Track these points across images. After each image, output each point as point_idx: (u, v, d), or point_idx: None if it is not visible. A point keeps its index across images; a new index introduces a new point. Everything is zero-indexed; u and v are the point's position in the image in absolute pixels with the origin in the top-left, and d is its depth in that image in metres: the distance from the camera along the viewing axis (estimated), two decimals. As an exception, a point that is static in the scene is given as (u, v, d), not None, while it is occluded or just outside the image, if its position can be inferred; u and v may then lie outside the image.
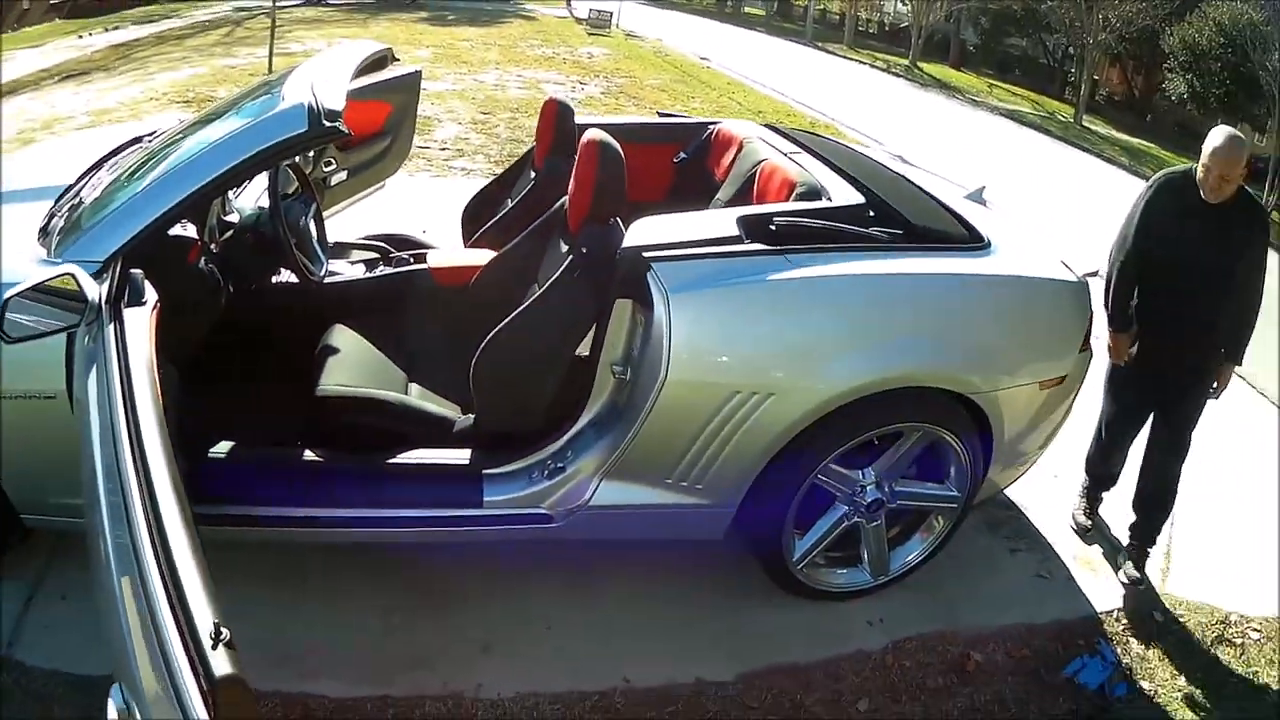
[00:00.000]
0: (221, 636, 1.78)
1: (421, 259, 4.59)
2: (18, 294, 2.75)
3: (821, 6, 50.89)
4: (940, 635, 3.84)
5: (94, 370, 2.69)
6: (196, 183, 3.20)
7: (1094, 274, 4.19)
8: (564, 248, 3.70)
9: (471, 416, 3.64)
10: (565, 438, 3.51)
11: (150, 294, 2.96)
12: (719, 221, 3.55)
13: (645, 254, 3.32)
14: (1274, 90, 26.78)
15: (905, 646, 3.78)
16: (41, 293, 2.78)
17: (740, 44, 34.20)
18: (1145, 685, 3.82)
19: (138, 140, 4.34)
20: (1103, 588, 4.34)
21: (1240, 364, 4.36)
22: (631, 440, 3.38)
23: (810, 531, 3.80)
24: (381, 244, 4.88)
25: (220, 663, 1.73)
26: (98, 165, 4.07)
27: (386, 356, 3.97)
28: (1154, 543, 4.60)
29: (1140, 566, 4.49)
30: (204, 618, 1.83)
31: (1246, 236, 4.18)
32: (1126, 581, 4.40)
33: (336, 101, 3.31)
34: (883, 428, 3.60)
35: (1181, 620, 4.22)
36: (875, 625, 3.88)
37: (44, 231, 3.44)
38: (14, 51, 21.57)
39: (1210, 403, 4.43)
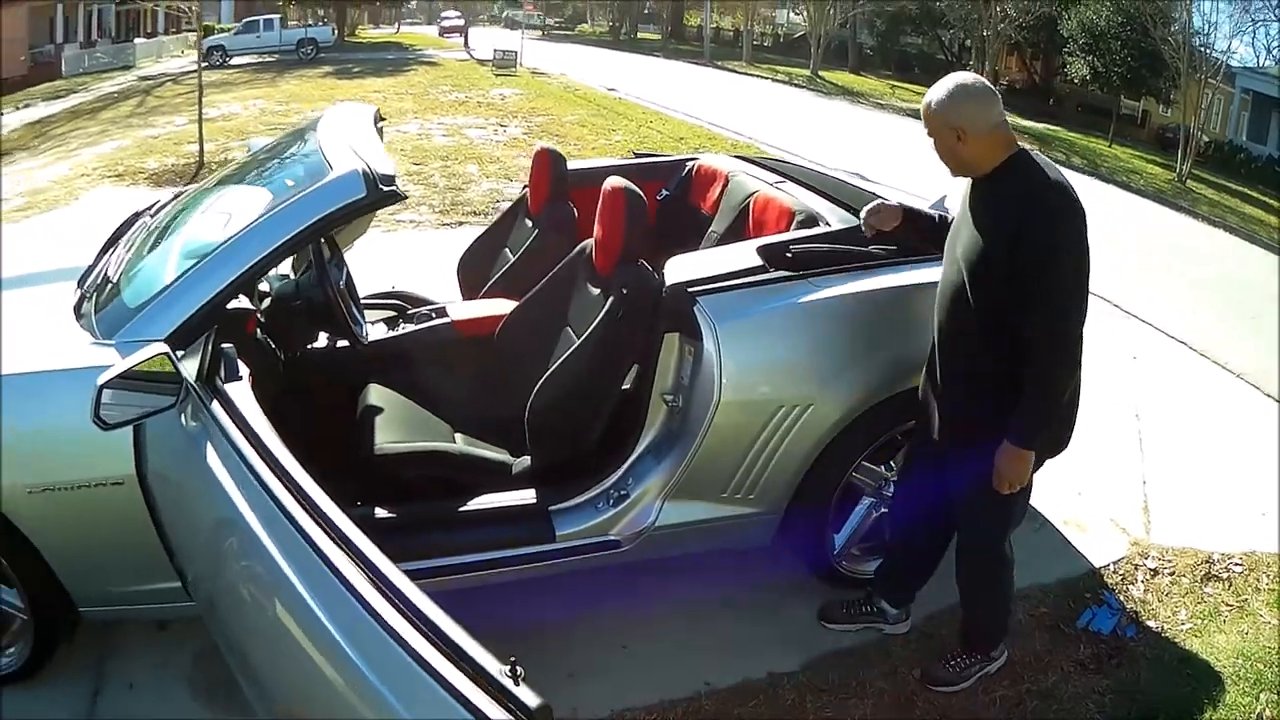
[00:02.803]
0: (519, 672, 1.87)
1: (441, 313, 4.70)
2: (111, 379, 2.72)
3: (715, 25, 51.42)
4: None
5: (209, 447, 2.73)
6: (257, 254, 3.24)
7: None
8: (594, 290, 3.95)
9: (526, 458, 3.80)
10: (625, 466, 3.72)
11: (243, 368, 3.01)
12: (741, 254, 3.82)
13: (690, 289, 3.60)
14: (1177, 63, 27.76)
15: (938, 618, 4.08)
16: (132, 377, 2.76)
17: (642, 71, 34.76)
18: (1151, 624, 4.19)
19: (138, 215, 4.45)
20: (1094, 545, 4.74)
21: (1028, 447, 3.09)
22: (690, 461, 3.63)
23: (845, 526, 4.11)
24: (396, 301, 5.00)
25: (529, 696, 1.82)
26: (111, 243, 4.12)
27: (426, 410, 4.07)
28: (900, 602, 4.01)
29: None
30: (484, 657, 1.90)
31: (1014, 228, 2.92)
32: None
33: (386, 165, 3.36)
34: (905, 424, 3.83)
35: (1170, 565, 4.62)
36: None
37: (78, 314, 3.47)
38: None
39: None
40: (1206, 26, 28.66)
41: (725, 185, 4.98)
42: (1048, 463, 3.44)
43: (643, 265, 3.76)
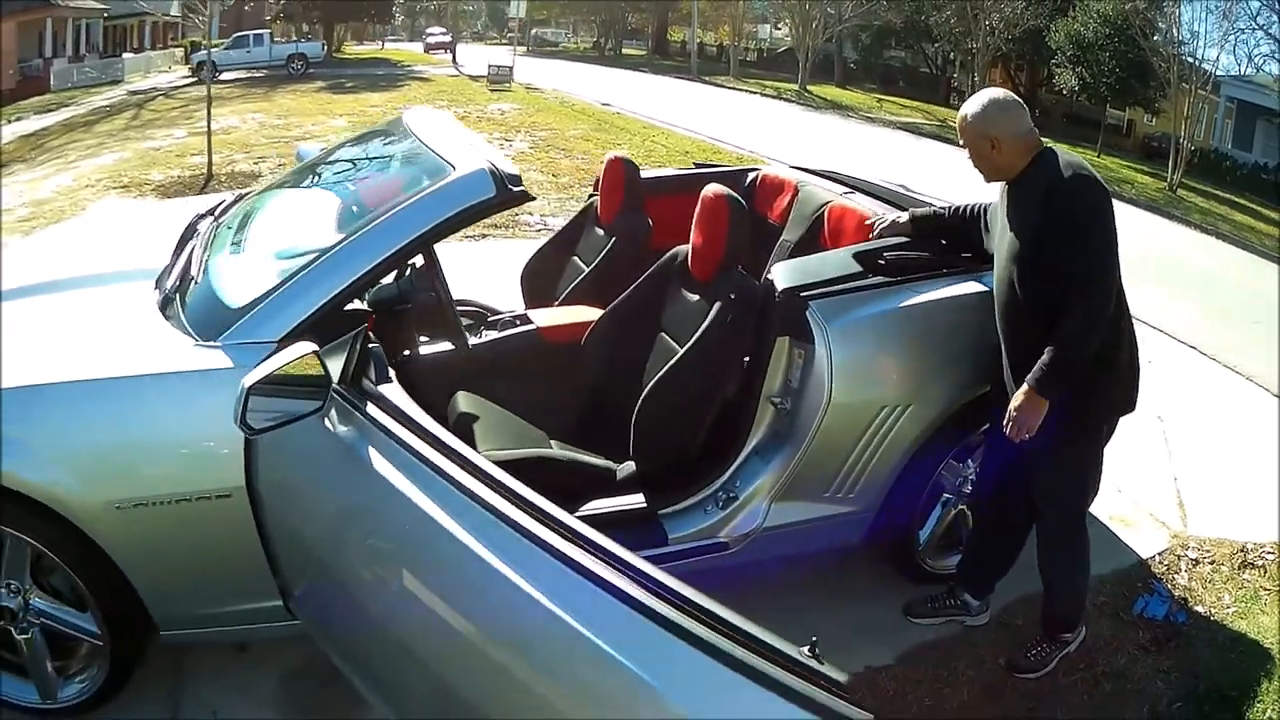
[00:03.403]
0: (818, 652, 1.90)
1: (524, 320, 4.69)
2: (258, 382, 2.58)
3: (699, 40, 51.66)
4: (1036, 595, 4.21)
5: (371, 451, 2.61)
6: (380, 254, 3.11)
7: None
8: (691, 296, 3.96)
9: (628, 463, 3.81)
10: (732, 469, 3.75)
11: (391, 371, 2.90)
12: (839, 260, 3.92)
13: (801, 294, 3.68)
14: (1167, 74, 28.22)
15: (1013, 609, 4.29)
16: (278, 380, 2.62)
17: (633, 86, 34.92)
18: (1199, 609, 4.47)
19: (201, 217, 4.31)
20: (1138, 538, 5.02)
21: (1043, 394, 3.29)
22: (799, 462, 3.68)
23: (928, 523, 4.28)
24: (475, 308, 4.93)
25: (835, 671, 1.88)
26: (181, 244, 3.99)
27: (518, 417, 4.02)
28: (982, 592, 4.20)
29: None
30: (777, 641, 1.94)
31: (1041, 219, 3.28)
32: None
33: (509, 166, 3.27)
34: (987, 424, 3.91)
35: (1209, 555, 4.91)
36: (981, 597, 4.41)
37: (164, 315, 3.33)
38: (-79, 148, 21.30)
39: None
40: (1192, 36, 29.14)
41: (795, 195, 5.04)
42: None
43: (743, 271, 3.84)
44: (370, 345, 2.95)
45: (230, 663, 3.68)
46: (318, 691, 3.53)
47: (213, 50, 37.73)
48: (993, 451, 3.91)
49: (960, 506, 4.30)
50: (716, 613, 2.01)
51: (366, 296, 3.75)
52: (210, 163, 14.03)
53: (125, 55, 48.11)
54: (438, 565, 2.44)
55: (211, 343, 3.06)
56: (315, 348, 2.69)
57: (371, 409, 2.68)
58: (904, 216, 4.16)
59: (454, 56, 43.98)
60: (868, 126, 31.10)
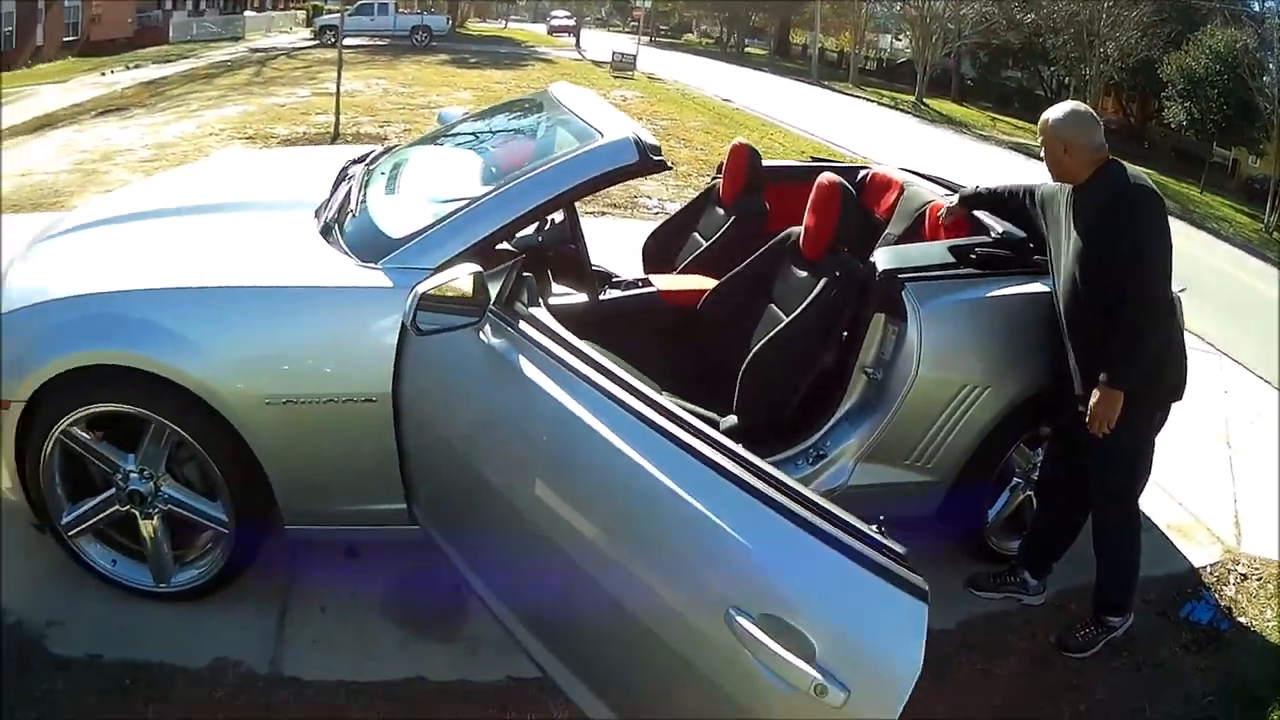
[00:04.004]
0: (884, 530, 2.23)
1: (646, 283, 5.08)
2: (428, 291, 2.88)
3: (820, 45, 51.66)
4: (1091, 585, 4.43)
5: (521, 360, 2.92)
6: (531, 203, 3.41)
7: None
8: (800, 273, 4.30)
9: (732, 417, 4.11)
10: (824, 429, 4.08)
11: (539, 298, 3.20)
12: (936, 251, 4.26)
13: (899, 275, 4.02)
14: (1272, 116, 28.10)
15: (1069, 594, 4.58)
16: (443, 293, 2.91)
17: (754, 84, 34.92)
18: (1242, 620, 4.71)
19: (354, 163, 4.65)
20: (1193, 549, 5.27)
21: (1118, 389, 3.65)
22: (885, 428, 3.99)
23: (996, 503, 4.57)
24: (600, 270, 5.17)
25: (896, 544, 2.22)
26: (336, 184, 4.31)
27: (635, 368, 4.33)
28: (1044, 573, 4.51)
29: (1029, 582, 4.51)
30: (856, 520, 2.26)
31: (1103, 223, 3.65)
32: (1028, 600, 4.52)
33: (650, 137, 3.57)
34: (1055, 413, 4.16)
35: (1258, 572, 5.14)
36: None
37: (325, 241, 3.64)
38: (38, 86, 22.33)
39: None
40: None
41: (900, 193, 5.40)
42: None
43: (848, 254, 4.17)
44: (525, 275, 3.27)
45: (341, 566, 4.00)
46: (426, 604, 3.88)
47: (334, 15, 38.51)
48: (1056, 439, 4.28)
49: (1028, 493, 4.61)
50: (803, 492, 2.40)
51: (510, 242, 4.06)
52: (338, 121, 14.53)
53: (246, 13, 49.12)
54: (582, 466, 2.71)
55: (372, 265, 3.38)
56: (479, 269, 2.99)
57: (524, 326, 3.01)
58: (955, 199, 4.57)
59: (577, 40, 44.50)
60: (980, 144, 30.94)
